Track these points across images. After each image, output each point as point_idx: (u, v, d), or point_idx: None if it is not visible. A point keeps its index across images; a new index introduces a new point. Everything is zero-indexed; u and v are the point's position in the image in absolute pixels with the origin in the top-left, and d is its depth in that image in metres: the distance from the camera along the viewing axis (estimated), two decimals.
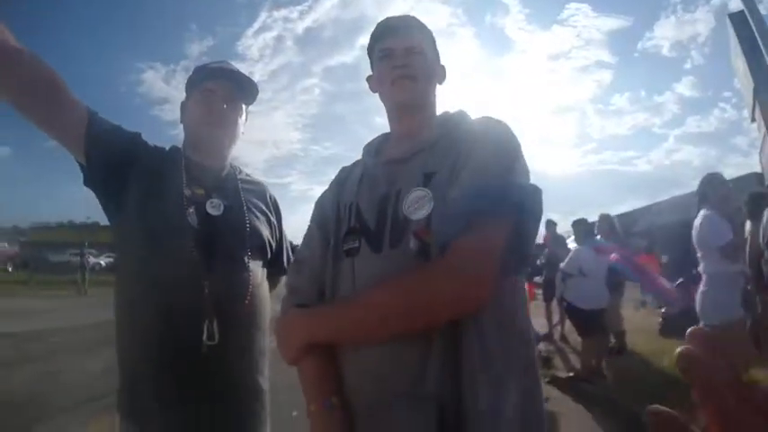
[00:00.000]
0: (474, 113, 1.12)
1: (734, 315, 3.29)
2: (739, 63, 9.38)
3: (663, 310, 7.10)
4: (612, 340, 6.10)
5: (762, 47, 8.12)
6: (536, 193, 0.99)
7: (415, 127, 1.12)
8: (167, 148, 1.52)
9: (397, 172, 1.05)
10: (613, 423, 3.81)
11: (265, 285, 1.52)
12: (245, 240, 1.44)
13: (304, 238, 1.18)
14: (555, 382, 5.09)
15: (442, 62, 1.22)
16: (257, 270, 1.47)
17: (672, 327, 6.37)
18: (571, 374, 5.32)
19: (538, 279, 8.60)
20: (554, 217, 8.69)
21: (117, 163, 1.36)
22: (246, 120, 1.60)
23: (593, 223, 5.94)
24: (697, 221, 3.53)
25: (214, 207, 1.41)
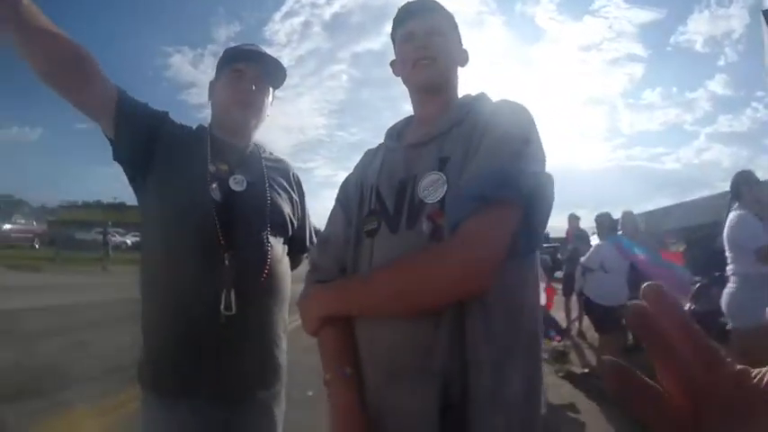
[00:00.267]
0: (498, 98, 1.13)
1: (764, 318, 3.21)
2: None
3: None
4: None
5: None
6: (547, 178, 1.00)
7: (435, 110, 1.14)
8: (194, 128, 1.57)
9: (414, 156, 1.08)
10: (625, 422, 3.80)
11: (285, 261, 1.56)
12: (266, 216, 1.48)
13: (329, 218, 1.23)
14: (569, 377, 5.08)
15: (468, 47, 1.23)
16: (277, 246, 1.51)
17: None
18: (586, 370, 5.30)
19: (559, 274, 8.52)
20: (582, 212, 8.59)
21: (145, 138, 1.41)
22: (272, 103, 1.64)
23: (617, 220, 5.87)
24: (731, 221, 3.42)
25: (237, 183, 1.46)
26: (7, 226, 24.13)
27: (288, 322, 1.56)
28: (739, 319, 3.32)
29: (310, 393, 3.23)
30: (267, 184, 1.53)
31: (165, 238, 1.39)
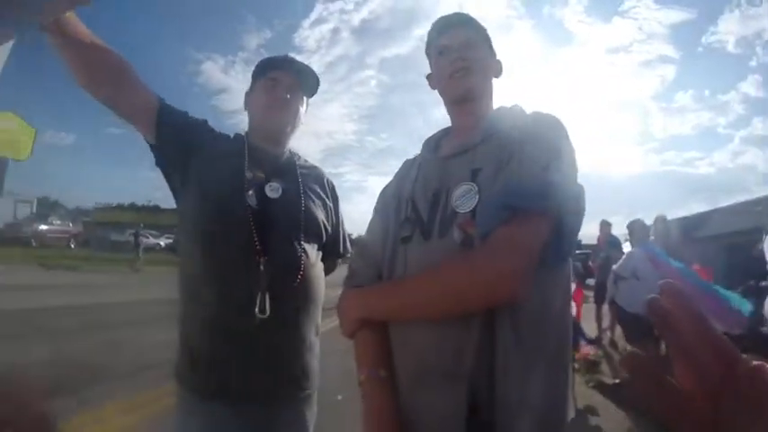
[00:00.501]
0: (531, 107, 1.14)
1: None
2: None
3: None
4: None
5: None
6: (579, 189, 1.02)
7: (470, 121, 1.16)
8: (231, 135, 1.62)
9: (448, 167, 1.11)
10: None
11: (319, 266, 1.59)
12: (301, 223, 1.51)
13: (368, 225, 1.27)
14: (600, 387, 4.99)
15: (499, 56, 1.25)
16: (311, 252, 1.54)
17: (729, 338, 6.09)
18: (617, 381, 5.20)
19: (590, 281, 8.38)
20: (614, 218, 8.46)
21: (184, 146, 1.46)
22: (307, 110, 1.67)
23: (650, 226, 5.75)
24: None
25: (273, 190, 1.49)
26: (44, 227, 24.98)
27: (320, 326, 1.58)
28: None
29: (339, 397, 3.25)
30: (302, 192, 1.57)
31: (202, 242, 1.43)
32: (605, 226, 8.08)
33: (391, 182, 1.29)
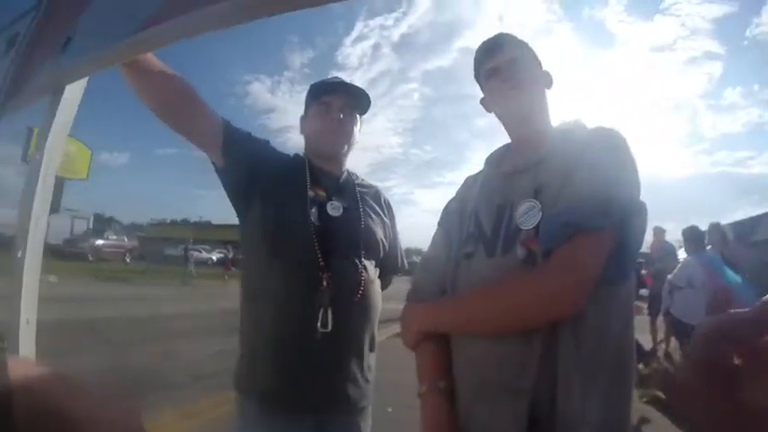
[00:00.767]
0: (573, 112, 1.15)
1: None
2: None
3: None
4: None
5: None
6: (641, 207, 1.01)
7: (530, 138, 1.17)
8: (292, 155, 1.69)
9: (511, 184, 1.12)
10: None
11: (377, 282, 1.63)
12: (361, 241, 1.56)
13: (431, 240, 1.29)
14: (655, 402, 4.82)
15: (546, 67, 1.25)
16: (370, 268, 1.59)
17: None
18: None
19: (644, 292, 8.09)
20: (669, 225, 8.13)
21: (249, 167, 1.52)
22: (361, 128, 1.72)
23: (705, 232, 5.53)
24: None
25: (334, 209, 1.55)
26: (100, 242, 26.00)
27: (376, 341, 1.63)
28: None
29: (390, 410, 3.26)
30: (361, 210, 1.62)
31: (267, 258, 1.49)
32: (659, 233, 7.77)
33: (454, 197, 1.31)
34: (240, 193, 1.56)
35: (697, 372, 0.35)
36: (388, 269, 1.75)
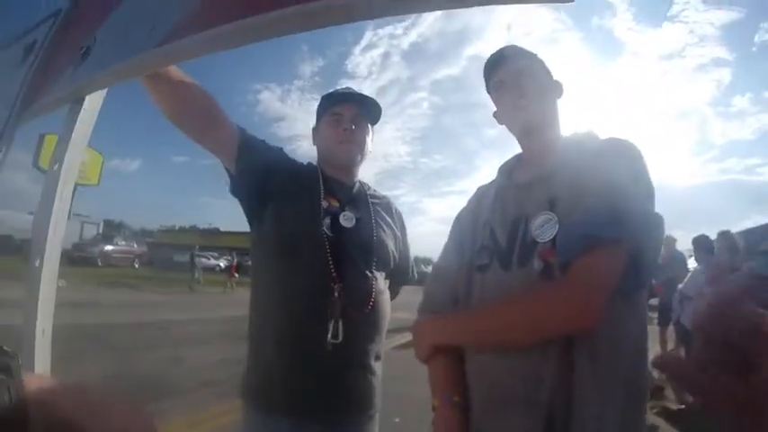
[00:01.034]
0: (584, 121, 1.16)
1: None
2: None
3: None
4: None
5: None
6: (657, 219, 1.01)
7: (542, 149, 1.17)
8: (305, 163, 1.69)
9: (526, 195, 1.12)
10: None
11: (387, 293, 1.63)
12: (373, 252, 1.57)
13: (442, 251, 1.29)
14: (665, 414, 4.77)
15: (556, 77, 1.24)
16: (381, 279, 1.59)
17: None
18: (683, 407, 4.96)
19: (653, 301, 8.01)
20: (679, 233, 8.04)
21: (263, 174, 1.53)
22: (373, 138, 1.72)
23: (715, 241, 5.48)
24: None
25: (347, 219, 1.55)
26: (109, 247, 26.11)
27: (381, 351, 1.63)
28: None
29: (397, 420, 3.26)
30: (373, 221, 1.63)
31: (278, 267, 1.50)
32: (669, 242, 7.69)
33: (465, 208, 1.30)
34: (253, 201, 1.56)
35: (709, 344, 0.35)
36: (398, 280, 1.76)
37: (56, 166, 1.09)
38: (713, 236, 5.58)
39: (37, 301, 1.04)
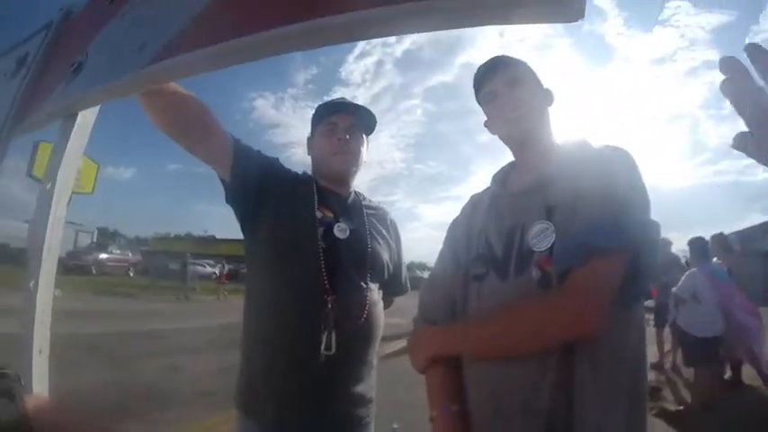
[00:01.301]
0: (577, 127, 1.16)
1: None
2: None
3: None
4: (728, 372, 5.62)
5: None
6: (653, 226, 1.01)
7: (536, 158, 1.17)
8: (300, 173, 1.69)
9: (521, 204, 1.12)
10: None
11: (381, 304, 1.63)
12: (367, 263, 1.57)
13: (437, 259, 1.29)
14: (663, 415, 4.78)
15: (542, 77, 1.24)
16: (374, 290, 1.59)
17: None
18: (680, 408, 4.97)
19: (649, 303, 8.03)
20: (674, 235, 8.06)
21: (257, 184, 1.53)
22: (368, 148, 1.72)
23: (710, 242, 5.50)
24: None
25: (341, 231, 1.55)
26: (104, 255, 25.98)
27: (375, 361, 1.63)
28: None
29: (395, 426, 3.25)
30: (368, 232, 1.63)
31: (272, 278, 1.50)
32: (664, 244, 7.75)
33: (460, 215, 1.30)
34: (248, 211, 1.56)
35: None
36: (391, 291, 1.76)
37: (50, 181, 1.08)
38: (708, 237, 5.61)
39: (33, 322, 1.04)
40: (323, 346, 1.40)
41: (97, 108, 1.14)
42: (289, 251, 1.48)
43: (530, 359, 0.97)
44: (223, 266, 24.14)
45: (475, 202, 1.29)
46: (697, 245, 5.29)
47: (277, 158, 1.66)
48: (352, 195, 1.70)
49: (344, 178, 1.66)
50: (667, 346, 6.96)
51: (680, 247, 7.40)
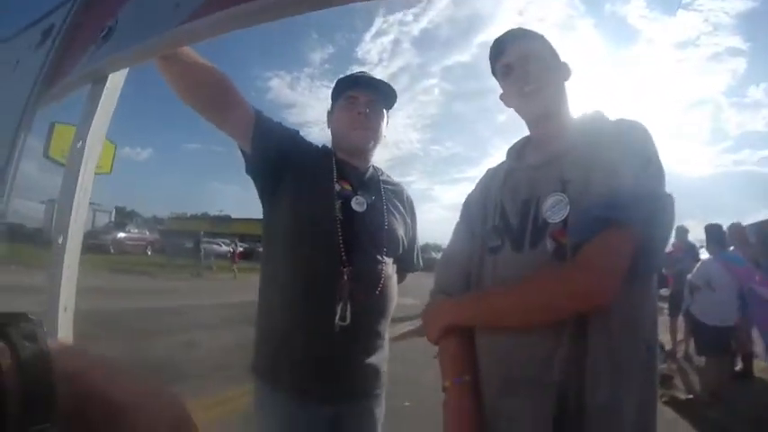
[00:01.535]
0: (598, 108, 1.16)
1: None
2: None
3: None
4: (739, 364, 5.59)
5: None
6: (668, 200, 1.01)
7: (551, 131, 1.17)
8: (320, 146, 1.70)
9: (537, 177, 1.12)
10: None
11: (395, 278, 1.66)
12: (383, 237, 1.59)
13: (453, 233, 1.30)
14: (673, 403, 4.77)
15: (563, 58, 1.23)
16: (389, 264, 1.61)
17: None
18: (690, 396, 4.96)
19: (664, 291, 7.97)
20: (690, 223, 7.94)
21: (277, 155, 1.54)
22: (388, 123, 1.73)
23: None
24: None
25: (359, 204, 1.57)
26: (121, 234, 26.30)
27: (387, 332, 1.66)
28: None
29: (407, 404, 3.30)
30: (385, 207, 1.64)
31: (290, 249, 1.52)
32: (681, 232, 7.64)
33: (475, 190, 1.31)
34: (267, 181, 1.58)
35: None
36: (404, 266, 1.78)
37: (79, 144, 1.10)
38: (727, 226, 5.52)
39: (60, 280, 1.06)
40: (338, 317, 1.43)
41: (124, 75, 1.15)
42: (306, 223, 1.50)
43: (542, 332, 0.98)
44: (235, 245, 24.30)
45: (490, 176, 1.29)
46: (713, 232, 5.21)
47: (298, 131, 1.67)
48: (371, 170, 1.71)
49: (363, 152, 1.67)
50: (680, 336, 6.93)
51: (696, 236, 7.28)
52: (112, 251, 23.97)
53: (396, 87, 1.65)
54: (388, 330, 1.65)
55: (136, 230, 28.65)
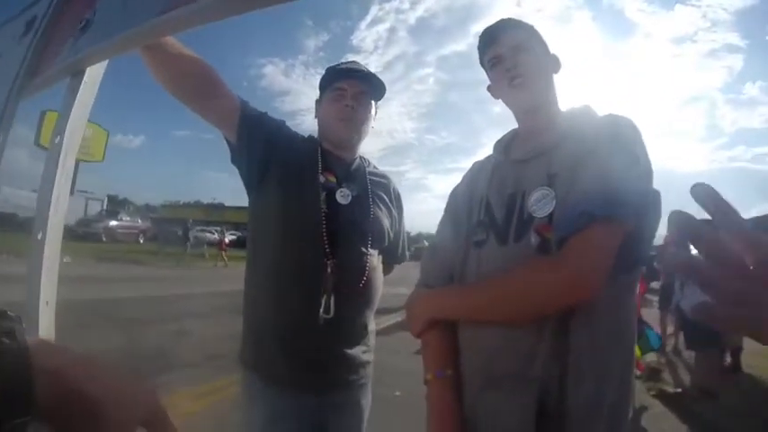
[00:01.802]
0: (594, 102, 1.15)
1: None
2: None
3: None
4: (728, 358, 5.63)
5: None
6: (655, 196, 1.01)
7: (539, 125, 1.16)
8: (306, 136, 1.69)
9: (523, 171, 1.11)
10: None
11: (380, 270, 1.65)
12: (368, 230, 1.58)
13: (438, 226, 1.29)
14: (662, 396, 4.82)
15: (558, 50, 1.21)
16: (374, 256, 1.61)
17: None
18: (679, 390, 5.01)
19: (655, 284, 8.01)
20: None
21: (263, 146, 1.53)
22: (376, 115, 1.72)
23: None
24: None
25: (343, 196, 1.56)
26: (113, 223, 26.23)
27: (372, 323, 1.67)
28: None
29: (397, 393, 3.31)
30: (370, 199, 1.63)
31: (274, 241, 1.51)
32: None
33: (461, 183, 1.30)
34: (252, 172, 1.56)
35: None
36: (389, 258, 1.77)
37: (57, 139, 1.08)
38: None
39: (40, 273, 1.04)
40: (321, 309, 1.42)
41: (104, 67, 1.12)
42: (291, 214, 1.50)
43: (525, 327, 0.97)
44: (223, 233, 24.29)
45: (476, 169, 1.28)
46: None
47: (284, 121, 1.65)
48: (357, 161, 1.70)
49: (349, 145, 1.65)
50: (670, 330, 6.98)
51: None
52: (104, 239, 23.92)
53: (391, 76, 1.71)
54: (373, 321, 1.65)
55: (128, 219, 28.60)
